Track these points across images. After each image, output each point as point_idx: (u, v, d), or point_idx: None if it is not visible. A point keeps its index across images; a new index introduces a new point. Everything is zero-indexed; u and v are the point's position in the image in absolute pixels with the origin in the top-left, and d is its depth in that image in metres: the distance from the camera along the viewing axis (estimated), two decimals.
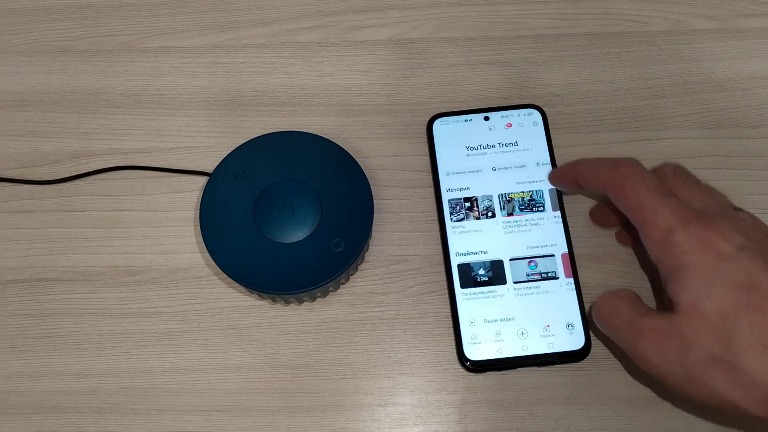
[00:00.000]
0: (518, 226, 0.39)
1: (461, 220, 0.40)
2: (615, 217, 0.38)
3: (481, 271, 0.39)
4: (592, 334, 0.38)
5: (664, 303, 0.32)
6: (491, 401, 0.37)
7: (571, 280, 0.38)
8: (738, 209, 0.32)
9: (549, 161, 0.41)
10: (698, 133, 0.42)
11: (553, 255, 0.39)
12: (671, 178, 0.35)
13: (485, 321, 0.38)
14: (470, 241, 0.39)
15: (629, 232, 0.39)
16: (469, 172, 0.41)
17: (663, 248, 0.30)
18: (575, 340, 0.37)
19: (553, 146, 0.41)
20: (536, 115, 0.42)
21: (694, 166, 0.41)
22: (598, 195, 0.40)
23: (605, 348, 0.38)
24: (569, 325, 0.37)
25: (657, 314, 0.31)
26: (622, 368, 0.38)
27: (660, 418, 0.37)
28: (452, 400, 0.37)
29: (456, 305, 0.38)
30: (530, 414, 0.37)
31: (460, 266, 0.39)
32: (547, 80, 0.44)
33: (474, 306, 0.38)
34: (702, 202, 0.33)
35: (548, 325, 0.37)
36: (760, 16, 0.45)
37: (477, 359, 0.37)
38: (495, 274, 0.39)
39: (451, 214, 0.40)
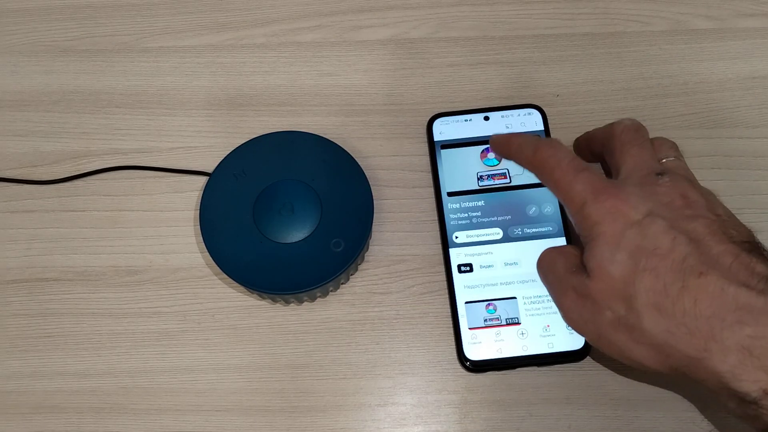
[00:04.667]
0: None
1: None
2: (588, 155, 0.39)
3: None
4: None
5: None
6: (491, 401, 0.37)
7: None
8: (660, 173, 0.32)
9: None
10: (698, 133, 0.42)
11: None
12: (617, 138, 0.35)
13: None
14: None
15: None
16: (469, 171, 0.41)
17: (579, 221, 0.32)
18: (575, 340, 0.37)
19: None
20: (536, 115, 0.42)
21: (693, 166, 0.41)
22: None
23: None
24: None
25: (581, 275, 0.32)
26: (622, 368, 0.37)
27: (660, 417, 0.37)
28: (452, 400, 0.37)
29: (456, 305, 0.38)
30: (530, 414, 0.37)
31: (460, 266, 0.39)
32: (547, 80, 0.44)
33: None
34: (631, 167, 0.33)
35: (548, 325, 0.37)
36: (760, 16, 0.45)
37: (477, 359, 0.37)
38: None
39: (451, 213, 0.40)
